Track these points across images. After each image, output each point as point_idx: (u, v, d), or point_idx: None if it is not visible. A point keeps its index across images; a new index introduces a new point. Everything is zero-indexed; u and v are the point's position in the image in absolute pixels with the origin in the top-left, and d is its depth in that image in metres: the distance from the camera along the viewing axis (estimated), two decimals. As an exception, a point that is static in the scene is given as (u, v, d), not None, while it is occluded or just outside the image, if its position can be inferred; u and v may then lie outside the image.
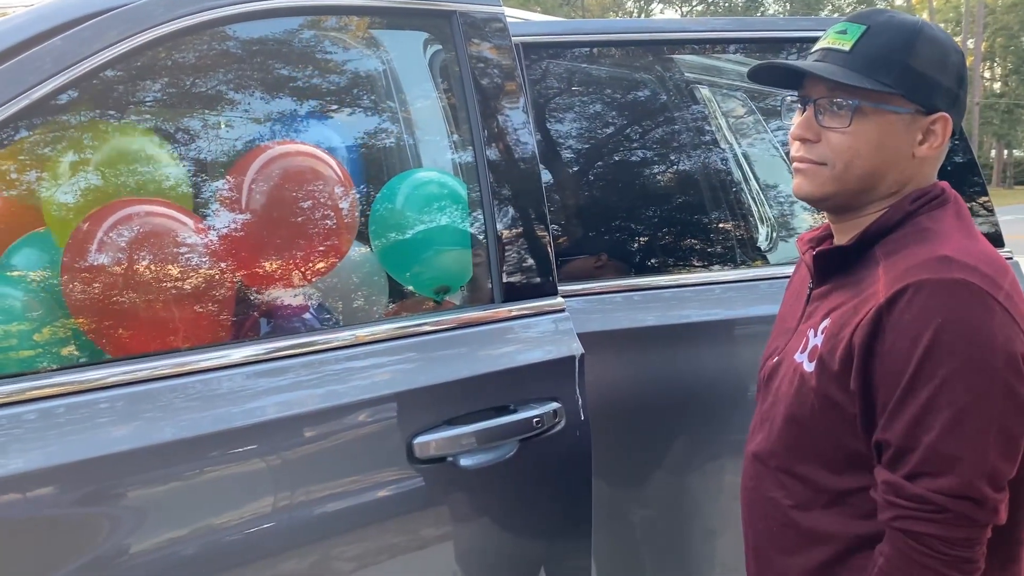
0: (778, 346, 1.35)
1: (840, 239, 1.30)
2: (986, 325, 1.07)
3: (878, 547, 1.15)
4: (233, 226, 1.56)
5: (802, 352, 1.24)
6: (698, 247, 2.27)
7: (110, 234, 1.36)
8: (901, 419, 1.11)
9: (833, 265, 1.27)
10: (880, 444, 1.14)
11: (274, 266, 1.55)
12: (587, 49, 2.22)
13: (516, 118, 1.71)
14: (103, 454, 1.21)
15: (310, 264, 1.58)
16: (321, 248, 1.59)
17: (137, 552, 1.23)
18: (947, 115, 1.20)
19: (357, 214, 1.65)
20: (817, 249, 1.30)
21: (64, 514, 1.19)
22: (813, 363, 1.21)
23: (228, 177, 1.57)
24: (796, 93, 1.27)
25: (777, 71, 1.27)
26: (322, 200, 1.58)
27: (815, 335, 1.23)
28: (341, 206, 1.61)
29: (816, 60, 1.23)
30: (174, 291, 1.41)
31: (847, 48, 1.20)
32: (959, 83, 1.22)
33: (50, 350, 1.36)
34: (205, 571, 1.28)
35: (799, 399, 1.23)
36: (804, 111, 1.24)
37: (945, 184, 1.26)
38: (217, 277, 1.48)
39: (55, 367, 1.31)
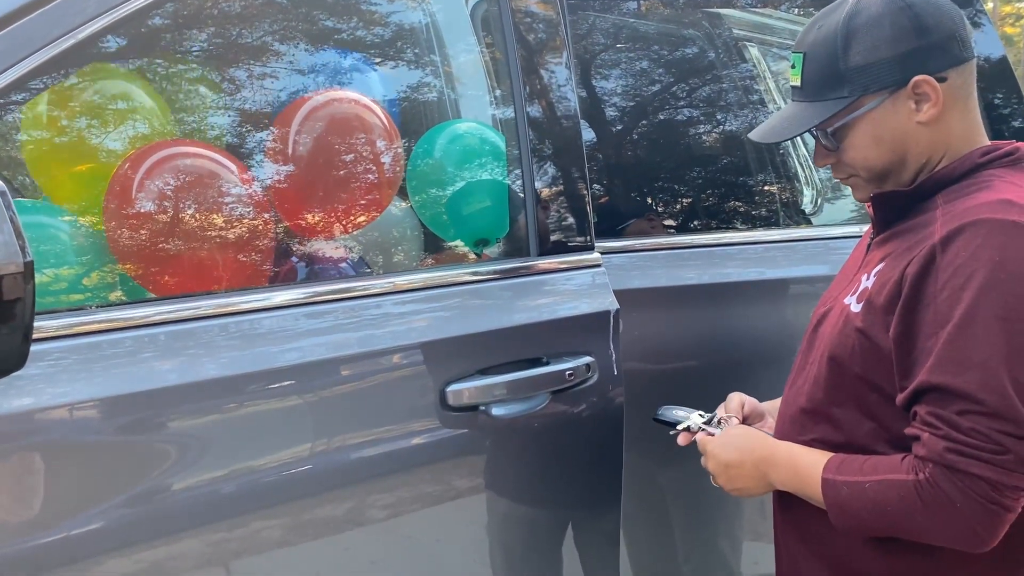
0: (831, 295, 1.34)
1: None
2: None
3: (905, 462, 1.12)
4: (275, 172, 1.57)
5: (852, 295, 1.24)
6: (742, 208, 2.24)
7: (149, 176, 1.38)
8: (954, 359, 1.07)
9: (892, 208, 1.26)
10: (924, 386, 1.10)
11: (315, 214, 1.56)
12: (632, 2, 2.18)
13: (558, 73, 1.69)
14: (147, 388, 1.24)
15: (352, 213, 1.59)
16: (364, 197, 1.60)
17: (172, 483, 1.26)
18: (923, 76, 1.18)
19: (401, 164, 1.65)
20: (875, 192, 1.28)
21: (107, 443, 1.22)
22: (861, 303, 1.20)
23: (274, 124, 1.58)
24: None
25: None
26: (367, 149, 1.59)
27: (867, 278, 1.22)
28: (385, 156, 1.61)
29: (790, 99, 1.30)
30: (210, 234, 1.43)
31: (799, 83, 1.26)
32: (920, 34, 1.18)
33: (98, 292, 1.39)
34: (241, 508, 1.31)
35: (841, 339, 1.22)
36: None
37: (1017, 144, 1.23)
38: (256, 221, 1.49)
39: (104, 304, 1.34)
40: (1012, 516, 1.08)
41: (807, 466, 1.22)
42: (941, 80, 1.18)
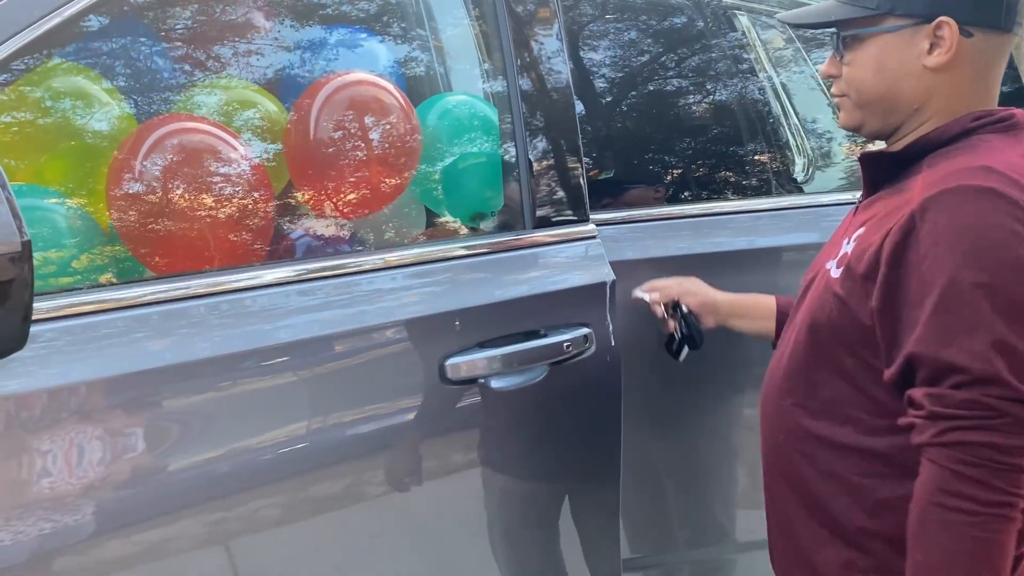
0: (819, 262, 1.35)
1: None
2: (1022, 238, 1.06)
3: (915, 492, 1.11)
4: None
5: (833, 260, 1.25)
6: (733, 178, 2.24)
7: (155, 151, 1.36)
8: (939, 330, 1.08)
9: (879, 171, 1.26)
10: (913, 358, 1.10)
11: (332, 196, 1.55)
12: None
13: (549, 44, 1.69)
14: (141, 368, 1.23)
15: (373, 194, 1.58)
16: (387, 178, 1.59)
17: (169, 463, 1.26)
18: (947, 18, 1.17)
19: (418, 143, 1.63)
20: (862, 152, 1.29)
21: (101, 424, 1.22)
22: (840, 269, 1.21)
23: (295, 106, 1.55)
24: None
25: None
26: (391, 128, 1.58)
27: (848, 243, 1.22)
28: (406, 135, 1.60)
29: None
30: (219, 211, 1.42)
31: None
32: None
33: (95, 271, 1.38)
34: (240, 486, 1.31)
35: (820, 304, 1.23)
36: None
37: (1019, 111, 1.22)
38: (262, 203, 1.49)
39: (96, 284, 1.33)
40: None
41: None
42: (966, 34, 1.18)
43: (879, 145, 1.37)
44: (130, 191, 1.36)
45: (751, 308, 1.62)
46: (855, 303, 1.17)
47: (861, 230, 1.21)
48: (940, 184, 1.11)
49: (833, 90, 1.31)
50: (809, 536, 1.29)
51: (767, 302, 1.61)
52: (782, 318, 1.57)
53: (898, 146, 1.26)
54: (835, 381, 1.22)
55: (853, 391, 1.20)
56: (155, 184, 1.37)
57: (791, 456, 1.29)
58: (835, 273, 1.22)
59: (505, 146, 1.68)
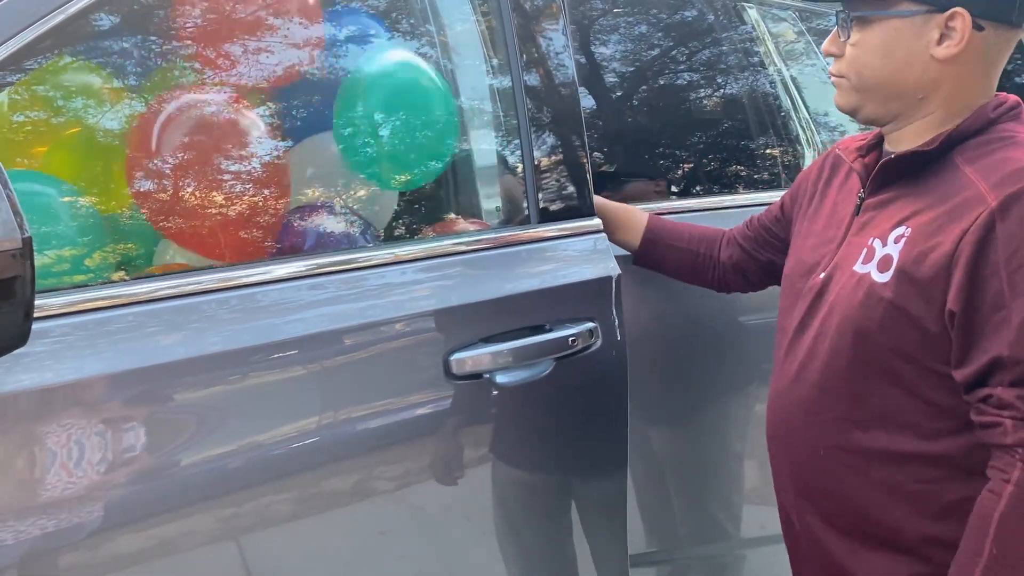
0: (821, 261, 1.29)
1: (897, 148, 1.26)
2: None
3: (992, 484, 1.09)
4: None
5: (865, 263, 1.20)
6: (743, 172, 2.23)
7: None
8: None
9: (904, 171, 1.22)
10: (1000, 360, 1.07)
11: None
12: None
13: (555, 39, 1.68)
14: (152, 364, 1.24)
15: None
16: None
17: (180, 458, 1.26)
18: (961, 10, 1.15)
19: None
20: (895, 154, 1.24)
21: (114, 419, 1.23)
22: (887, 274, 1.16)
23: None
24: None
25: None
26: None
27: (884, 245, 1.18)
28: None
29: None
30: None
31: None
32: None
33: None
34: (248, 481, 1.31)
35: (865, 312, 1.18)
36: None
37: (1017, 98, 1.22)
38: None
39: (108, 280, 1.34)
40: None
41: None
42: (978, 27, 1.16)
43: (864, 131, 1.34)
44: (151, 174, 1.37)
45: (622, 221, 1.68)
46: (916, 308, 1.13)
47: (903, 230, 1.17)
48: (1015, 181, 1.09)
49: (831, 69, 1.29)
50: (853, 551, 1.25)
51: (638, 218, 1.66)
52: (650, 235, 1.63)
53: (902, 137, 1.24)
54: (887, 389, 1.18)
55: (909, 397, 1.17)
56: (174, 167, 1.36)
57: (835, 471, 1.24)
58: (879, 277, 1.17)
59: (510, 142, 1.68)
